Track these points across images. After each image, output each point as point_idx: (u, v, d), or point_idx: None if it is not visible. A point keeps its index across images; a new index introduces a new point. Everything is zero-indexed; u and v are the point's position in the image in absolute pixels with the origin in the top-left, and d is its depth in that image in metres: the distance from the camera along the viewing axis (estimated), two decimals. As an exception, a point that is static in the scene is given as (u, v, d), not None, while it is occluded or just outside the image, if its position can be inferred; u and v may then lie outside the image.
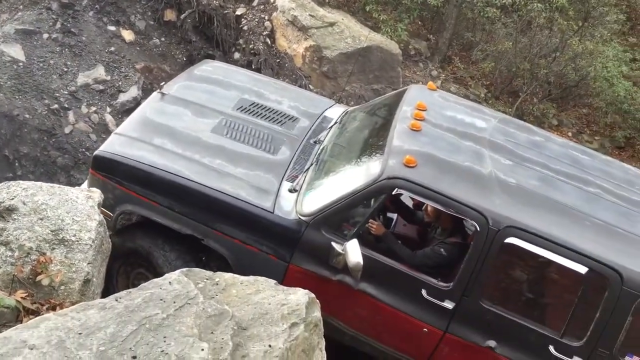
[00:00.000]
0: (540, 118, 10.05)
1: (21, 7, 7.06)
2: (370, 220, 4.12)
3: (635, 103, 10.67)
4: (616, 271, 3.68)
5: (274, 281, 2.99)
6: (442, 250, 4.07)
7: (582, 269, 3.78)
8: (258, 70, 7.47)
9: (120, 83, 6.92)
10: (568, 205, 3.97)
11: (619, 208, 4.13)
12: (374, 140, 4.48)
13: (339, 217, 4.02)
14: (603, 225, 3.92)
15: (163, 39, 7.70)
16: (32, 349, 2.21)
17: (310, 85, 7.74)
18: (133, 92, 6.88)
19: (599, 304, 3.76)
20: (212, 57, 7.40)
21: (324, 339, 2.94)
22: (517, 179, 4.06)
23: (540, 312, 4.20)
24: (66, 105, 6.55)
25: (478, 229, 3.79)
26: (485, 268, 3.83)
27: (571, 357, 3.82)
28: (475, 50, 10.50)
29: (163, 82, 5.16)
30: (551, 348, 3.83)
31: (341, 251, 3.86)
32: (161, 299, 2.63)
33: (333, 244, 3.92)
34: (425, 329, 3.99)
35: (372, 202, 4.06)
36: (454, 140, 4.31)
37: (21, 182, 3.36)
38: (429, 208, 4.33)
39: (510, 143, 4.46)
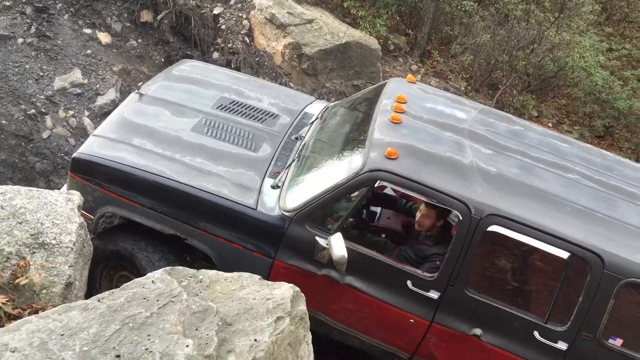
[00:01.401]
0: (520, 110, 10.14)
1: (-6, 12, 6.96)
2: None
3: (613, 92, 10.82)
4: (597, 255, 3.73)
5: (258, 276, 2.99)
6: (437, 262, 4.05)
7: (564, 254, 3.82)
8: (237, 69, 7.44)
9: (97, 86, 6.85)
10: (548, 192, 4.01)
11: (599, 193, 4.18)
12: (355, 134, 4.48)
13: (322, 212, 4.02)
14: (583, 211, 3.96)
15: (140, 41, 7.63)
16: (13, 351, 2.18)
17: (290, 83, 7.73)
18: (111, 94, 6.81)
19: (581, 288, 3.80)
20: (191, 58, 7.34)
21: (310, 333, 2.94)
22: (497, 167, 4.09)
23: (525, 298, 4.24)
24: (43, 110, 6.47)
25: (461, 218, 3.82)
26: (469, 257, 3.85)
27: (556, 342, 3.86)
28: (454, 44, 10.56)
29: (141, 83, 5.11)
30: (536, 333, 3.87)
31: (325, 245, 3.86)
32: (144, 298, 2.62)
33: (317, 238, 3.92)
34: (411, 320, 4.00)
35: (354, 196, 4.06)
36: (435, 131, 4.33)
37: (-2, 186, 3.31)
38: (425, 222, 4.27)
39: (490, 133, 4.49)
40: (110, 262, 4.37)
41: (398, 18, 10.77)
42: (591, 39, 11.26)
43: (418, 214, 4.32)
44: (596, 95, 10.73)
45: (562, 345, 3.86)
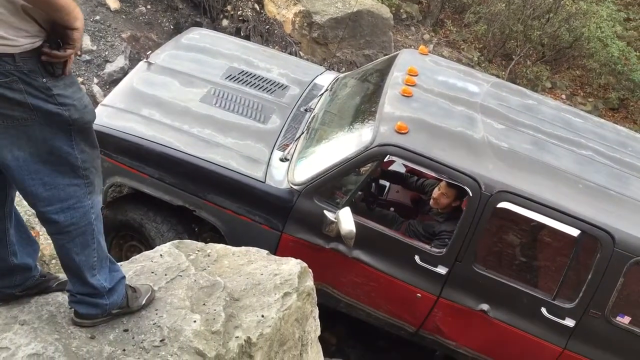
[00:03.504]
0: (533, 81, 9.98)
1: (1, -24, 6.86)
2: None
3: (629, 63, 10.61)
4: (608, 233, 3.69)
5: (266, 251, 2.98)
6: (446, 240, 4.02)
7: (575, 232, 3.79)
8: (247, 37, 7.33)
9: (106, 53, 6.78)
10: (561, 169, 3.96)
11: (612, 170, 4.13)
12: (366, 107, 4.42)
13: (331, 185, 3.99)
14: (595, 188, 3.91)
15: (149, 7, 7.52)
16: (22, 324, 2.20)
17: (300, 52, 7.62)
18: (120, 62, 6.74)
19: (591, 265, 3.78)
20: (200, 25, 7.25)
21: (317, 308, 2.95)
22: (509, 143, 4.04)
23: (533, 275, 4.23)
24: (52, 77, 6.42)
25: (470, 194, 3.78)
26: (478, 233, 3.83)
27: (563, 319, 3.86)
28: (468, 13, 10.36)
29: (150, 51, 5.04)
30: (543, 310, 3.87)
31: (334, 219, 3.84)
32: (152, 272, 2.62)
33: (325, 212, 3.90)
34: (418, 295, 4.01)
35: (364, 170, 4.03)
36: (446, 105, 4.26)
37: (7, 156, 3.30)
38: (443, 201, 4.18)
39: (503, 107, 4.42)
40: (120, 232, 4.39)
41: (411, -15, 10.55)
42: (608, 8, 10.99)
43: (436, 191, 4.24)
44: (612, 66, 10.53)
45: (569, 322, 3.86)
